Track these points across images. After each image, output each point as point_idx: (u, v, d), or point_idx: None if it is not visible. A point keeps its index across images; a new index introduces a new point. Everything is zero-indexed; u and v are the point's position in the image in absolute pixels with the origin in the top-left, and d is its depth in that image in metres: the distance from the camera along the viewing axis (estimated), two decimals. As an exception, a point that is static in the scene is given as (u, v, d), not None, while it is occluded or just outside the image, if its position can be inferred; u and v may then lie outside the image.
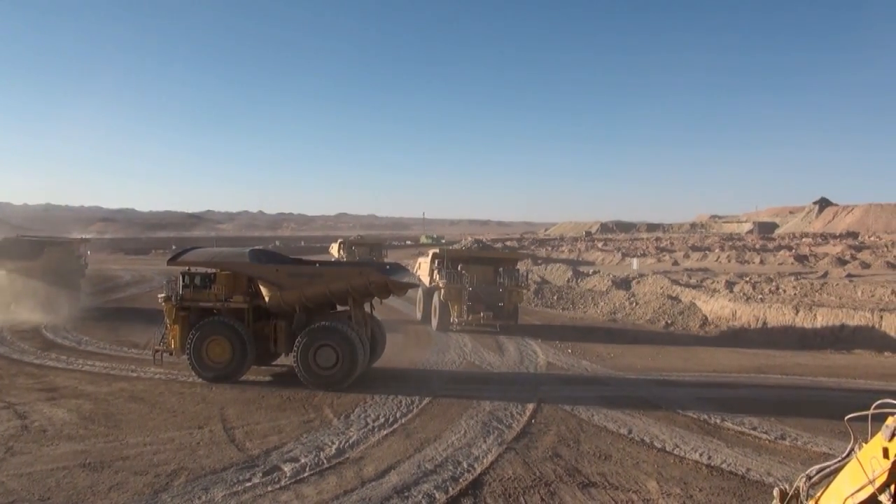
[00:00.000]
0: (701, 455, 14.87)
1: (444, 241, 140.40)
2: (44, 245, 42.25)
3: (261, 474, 13.45)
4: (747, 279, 46.16)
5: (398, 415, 17.67)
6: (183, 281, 21.71)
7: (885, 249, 74.11)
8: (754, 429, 16.82)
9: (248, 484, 12.95)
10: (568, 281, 53.41)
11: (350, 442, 15.47)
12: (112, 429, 16.40)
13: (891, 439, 4.89)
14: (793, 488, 5.97)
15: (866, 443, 5.23)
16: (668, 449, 15.28)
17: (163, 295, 21.83)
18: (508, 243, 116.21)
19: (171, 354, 21.95)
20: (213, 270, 21.79)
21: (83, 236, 58.27)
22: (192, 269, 21.92)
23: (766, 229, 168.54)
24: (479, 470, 13.83)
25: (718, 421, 17.44)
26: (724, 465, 14.27)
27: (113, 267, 64.13)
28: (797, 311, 32.66)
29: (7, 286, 38.17)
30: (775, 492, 6.14)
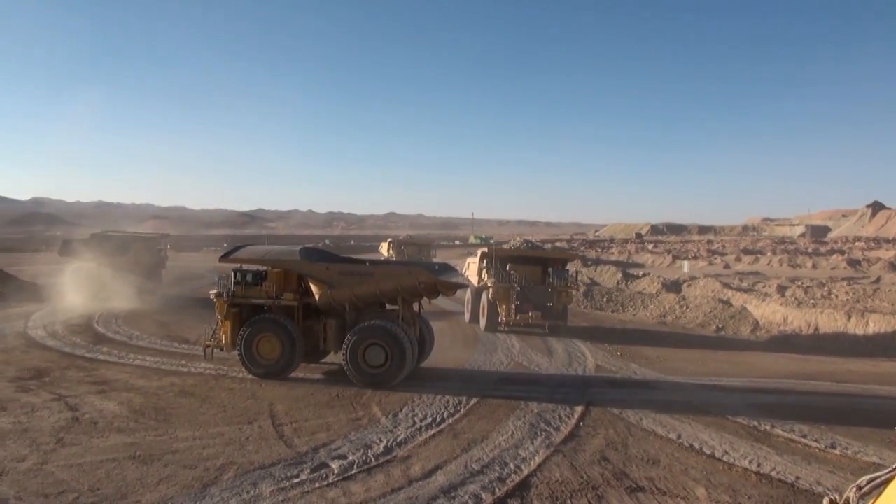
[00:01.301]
0: (750, 462, 14.69)
1: (492, 241, 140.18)
2: (132, 240, 47.05)
3: (308, 471, 13.53)
4: (799, 283, 45.58)
5: (445, 414, 17.68)
6: (234, 278, 21.89)
7: (940, 255, 72.87)
8: (804, 436, 16.56)
9: (296, 480, 13.04)
10: (617, 283, 53.15)
11: (398, 440, 15.51)
12: (162, 422, 16.60)
13: None
14: (843, 498, 5.88)
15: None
16: (717, 455, 15.11)
17: (214, 291, 22.03)
18: (558, 244, 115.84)
19: (221, 350, 22.16)
20: (265, 268, 21.97)
21: (164, 232, 62.91)
22: (244, 267, 22.11)
23: (818, 233, 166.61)
24: (526, 472, 13.78)
25: (768, 428, 17.20)
26: (773, 473, 14.07)
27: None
28: (849, 317, 32.15)
29: (97, 277, 41.24)
30: (825, 501, 6.06)
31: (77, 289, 40.70)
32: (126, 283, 40.93)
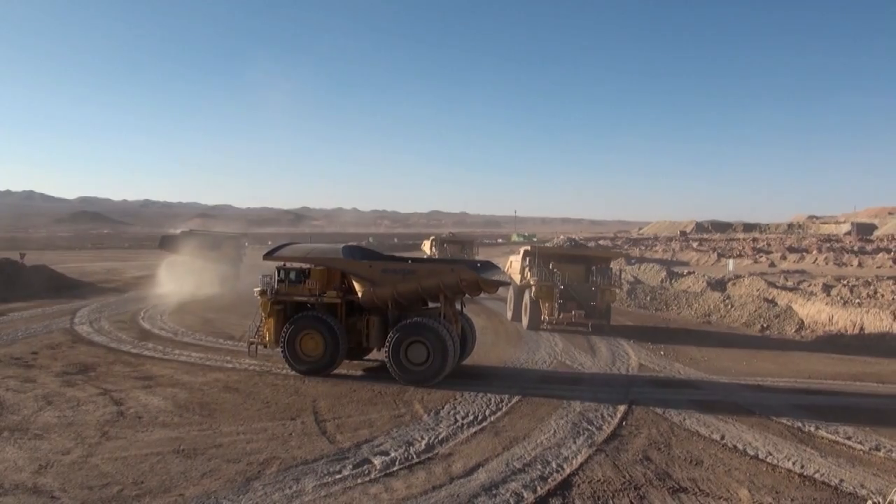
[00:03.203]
0: (794, 464, 14.53)
1: (535, 239, 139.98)
2: (222, 238, 55.57)
3: (351, 466, 13.61)
4: (845, 282, 45.00)
5: (487, 412, 17.68)
6: (278, 276, 22.05)
7: None
8: (849, 438, 16.36)
9: (339, 476, 13.11)
10: (662, 281, 52.86)
11: (439, 438, 15.54)
12: (206, 417, 16.78)
13: None
14: (886, 501, 5.82)
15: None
16: (760, 456, 14.98)
17: (258, 289, 22.18)
18: (602, 242, 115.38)
19: (265, 347, 22.31)
20: (308, 266, 22.10)
21: (243, 232, 73.57)
22: (287, 265, 22.24)
23: (864, 230, 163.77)
24: (568, 471, 13.75)
25: (812, 429, 17.01)
26: (816, 475, 13.90)
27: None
28: (895, 317, 31.67)
29: (190, 268, 48.04)
30: (869, 504, 6.00)
31: (172, 278, 47.12)
32: (214, 272, 47.69)
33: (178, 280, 46.52)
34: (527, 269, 33.43)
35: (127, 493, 12.05)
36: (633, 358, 26.02)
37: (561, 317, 31.75)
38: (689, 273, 56.18)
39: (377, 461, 13.93)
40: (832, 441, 16.21)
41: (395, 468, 13.61)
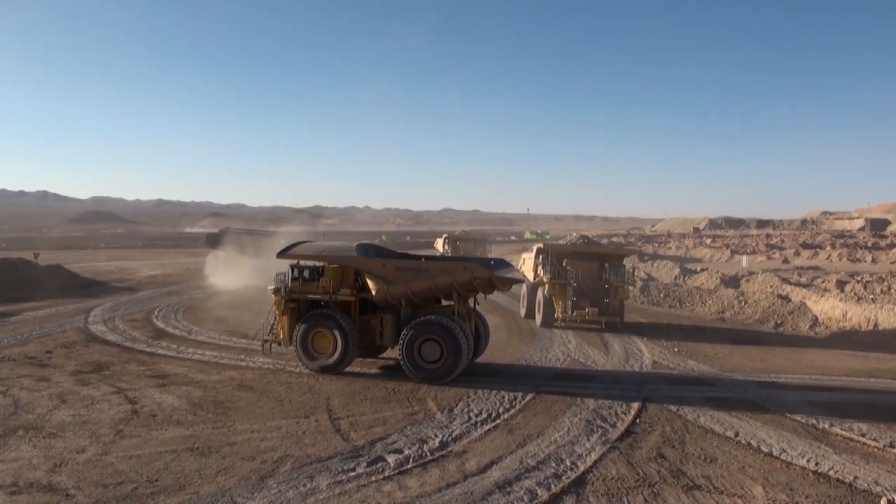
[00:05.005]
0: (808, 461, 14.48)
1: (548, 236, 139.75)
2: (259, 235, 60.72)
3: (365, 464, 13.63)
4: (858, 278, 44.79)
5: (501, 410, 17.68)
6: (292, 274, 22.08)
7: None
8: (863, 435, 16.29)
9: (353, 473, 13.14)
10: (675, 278, 52.69)
11: (453, 435, 15.55)
12: (220, 415, 16.83)
13: None
14: (900, 499, 5.78)
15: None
16: (774, 453, 14.93)
17: (272, 287, 22.21)
18: (614, 239, 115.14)
19: (279, 345, 22.35)
20: (322, 264, 22.11)
21: (273, 230, 79.59)
22: (301, 263, 22.26)
23: (878, 226, 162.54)
24: (581, 468, 13.74)
25: (827, 426, 16.94)
26: (831, 472, 13.86)
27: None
28: (910, 313, 31.46)
29: (230, 261, 53.98)
30: (883, 501, 5.97)
31: (214, 270, 54.06)
32: (250, 265, 50.83)
33: (221, 271, 53.09)
34: (540, 267, 33.35)
35: (141, 491, 12.11)
36: (647, 355, 25.96)
37: (574, 314, 31.65)
38: (703, 270, 55.95)
39: (391, 459, 13.96)
40: (846, 438, 16.15)
41: (408, 466, 13.65)
